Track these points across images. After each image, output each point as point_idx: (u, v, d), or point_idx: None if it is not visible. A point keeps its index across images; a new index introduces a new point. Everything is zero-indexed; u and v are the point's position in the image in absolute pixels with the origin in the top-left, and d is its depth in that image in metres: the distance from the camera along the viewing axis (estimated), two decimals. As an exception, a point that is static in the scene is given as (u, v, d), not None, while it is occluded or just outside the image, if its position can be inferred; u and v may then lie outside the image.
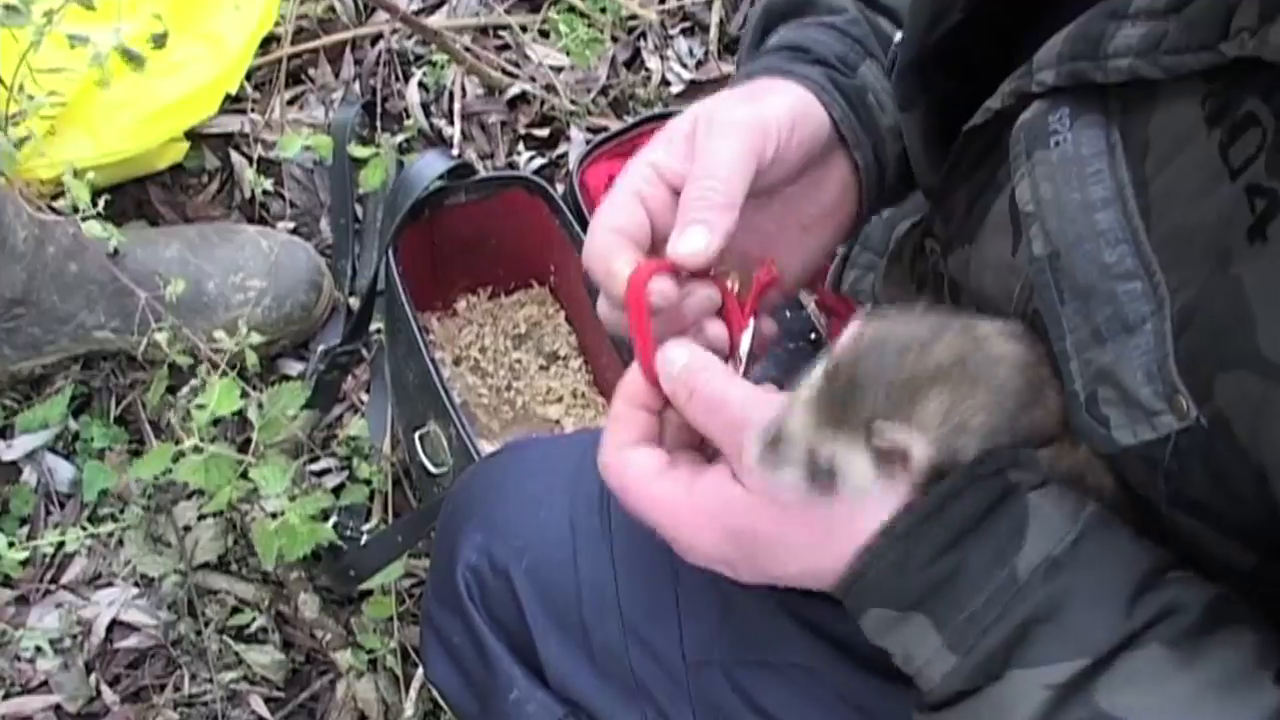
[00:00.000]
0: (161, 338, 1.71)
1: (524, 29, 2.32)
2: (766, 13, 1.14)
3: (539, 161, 2.23)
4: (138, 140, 1.96)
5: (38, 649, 1.85)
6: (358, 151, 1.91)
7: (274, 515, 1.73)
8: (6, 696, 1.85)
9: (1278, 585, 0.78)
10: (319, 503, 1.75)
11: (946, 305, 0.99)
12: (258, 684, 1.87)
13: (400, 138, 2.09)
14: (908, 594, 0.82)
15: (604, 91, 2.29)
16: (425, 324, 1.95)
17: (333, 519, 1.82)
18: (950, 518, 0.81)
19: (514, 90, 2.26)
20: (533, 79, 2.27)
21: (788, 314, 1.77)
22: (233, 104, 2.16)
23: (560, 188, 1.90)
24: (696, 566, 0.91)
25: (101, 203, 1.72)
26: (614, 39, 2.31)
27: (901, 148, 1.04)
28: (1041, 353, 0.84)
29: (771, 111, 0.95)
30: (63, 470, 1.99)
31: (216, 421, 1.69)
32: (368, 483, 1.92)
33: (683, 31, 2.37)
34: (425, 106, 2.26)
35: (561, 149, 2.24)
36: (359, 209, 2.14)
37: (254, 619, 1.89)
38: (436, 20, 2.30)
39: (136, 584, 1.92)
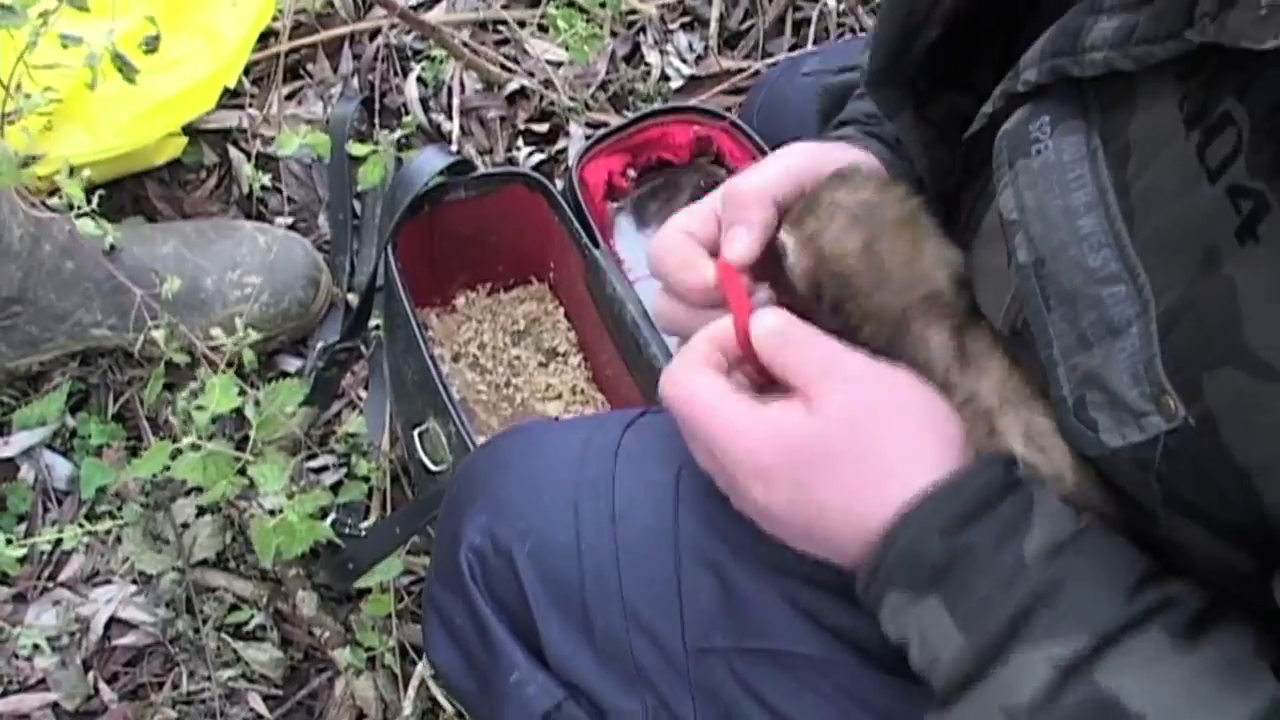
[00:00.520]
0: (158, 335, 1.70)
1: (522, 24, 2.31)
2: (823, 112, 1.24)
3: (538, 157, 2.22)
4: (135, 136, 1.95)
5: (35, 646, 1.85)
6: (356, 149, 1.91)
7: (272, 513, 1.73)
8: (4, 694, 1.84)
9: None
10: (317, 500, 1.75)
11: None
12: (256, 682, 1.86)
13: (399, 134, 2.08)
14: (922, 574, 0.84)
15: (603, 86, 2.28)
16: (424, 320, 1.95)
17: (331, 516, 1.81)
18: (960, 501, 0.84)
19: (513, 85, 2.25)
20: (531, 74, 2.26)
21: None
22: (231, 99, 2.15)
23: (560, 183, 1.89)
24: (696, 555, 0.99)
25: (96, 199, 1.71)
26: (613, 33, 2.31)
27: None
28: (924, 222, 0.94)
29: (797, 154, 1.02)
30: (60, 467, 1.98)
31: (214, 419, 1.69)
32: (366, 480, 1.91)
33: (682, 26, 2.37)
34: (424, 102, 2.25)
35: (561, 144, 2.23)
36: (357, 205, 2.13)
37: (252, 616, 1.89)
38: (435, 15, 2.29)
39: (134, 581, 1.91)
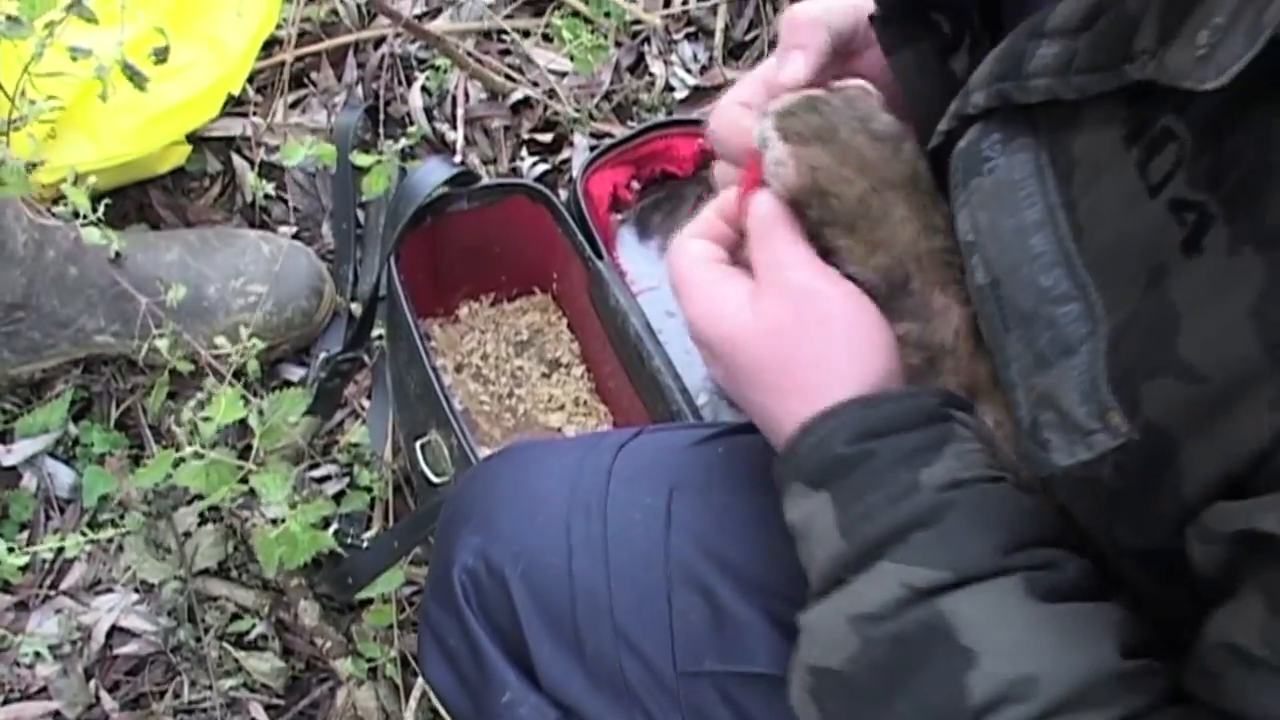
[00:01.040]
0: (162, 344, 1.71)
1: (526, 34, 2.32)
2: None
3: (542, 167, 2.22)
4: (139, 143, 1.95)
5: (37, 655, 1.85)
6: (361, 159, 1.91)
7: (275, 522, 1.73)
8: (5, 702, 1.84)
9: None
10: (320, 510, 1.75)
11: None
12: (257, 691, 1.86)
13: (403, 143, 2.08)
14: (822, 469, 0.86)
15: (608, 96, 2.28)
16: (427, 330, 1.95)
17: (333, 526, 1.82)
18: (880, 414, 0.86)
19: (517, 95, 2.25)
20: (535, 84, 2.26)
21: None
22: (235, 107, 2.15)
23: (564, 194, 1.90)
24: (682, 563, 1.02)
25: (101, 207, 1.71)
26: (618, 44, 2.31)
27: None
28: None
29: None
30: (63, 475, 1.98)
31: (218, 429, 1.69)
32: (369, 490, 1.91)
33: (687, 37, 2.37)
34: (428, 111, 2.25)
35: (565, 154, 2.23)
36: (361, 214, 2.13)
37: (254, 626, 1.89)
38: (439, 24, 2.29)
39: (136, 590, 1.91)
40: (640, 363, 1.70)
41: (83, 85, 1.82)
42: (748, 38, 2.37)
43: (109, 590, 1.92)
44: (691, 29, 2.38)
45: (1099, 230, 0.77)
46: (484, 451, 1.60)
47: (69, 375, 2.01)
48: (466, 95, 2.26)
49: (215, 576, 1.93)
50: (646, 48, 2.34)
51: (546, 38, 2.32)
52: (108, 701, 1.85)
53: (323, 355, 1.98)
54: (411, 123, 2.23)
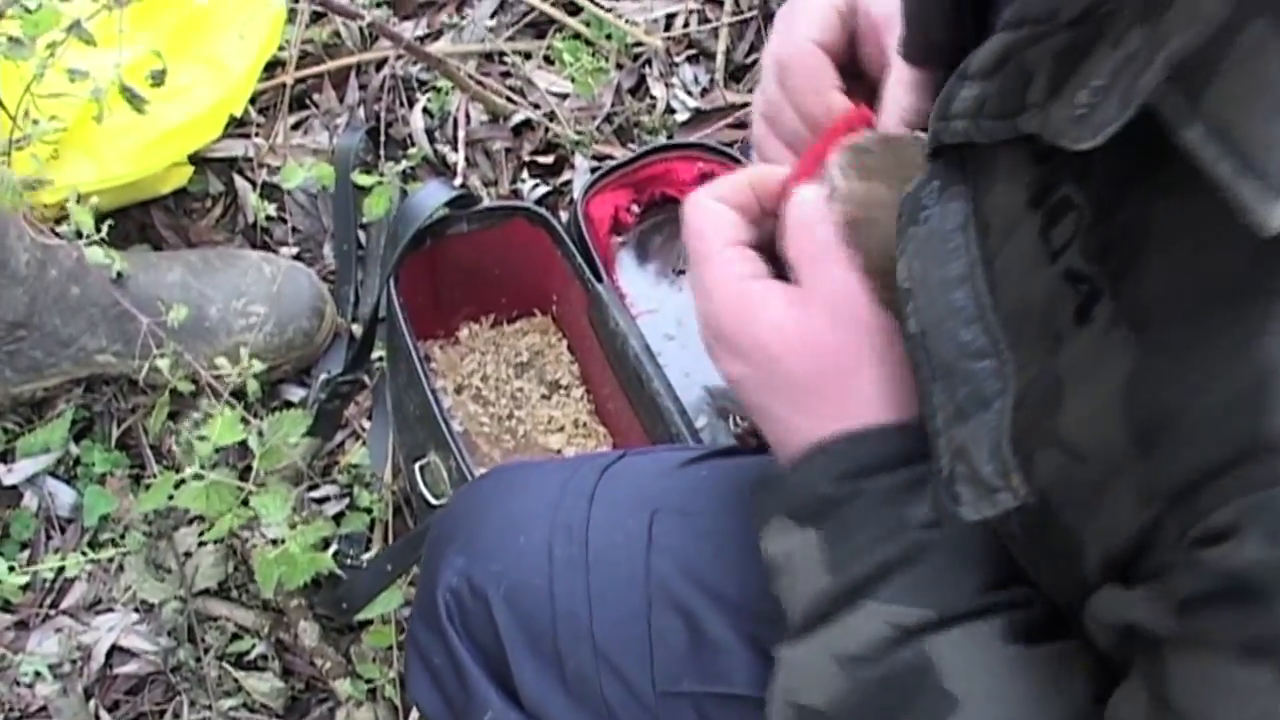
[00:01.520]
0: (163, 364, 1.71)
1: (528, 56, 2.32)
2: None
3: (543, 189, 2.23)
4: (141, 164, 1.96)
5: (37, 674, 1.85)
6: (361, 180, 1.91)
7: (274, 543, 1.73)
8: (5, 721, 1.85)
9: None
10: (319, 531, 1.75)
11: None
12: (257, 711, 1.87)
13: (404, 164, 2.09)
14: (810, 507, 0.87)
15: (608, 119, 2.29)
16: (427, 352, 1.95)
17: (333, 547, 1.82)
18: (868, 451, 0.87)
19: (518, 117, 2.26)
20: (537, 106, 2.27)
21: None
22: (237, 128, 2.16)
23: (564, 215, 1.90)
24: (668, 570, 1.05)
25: (105, 228, 1.72)
26: (619, 66, 2.31)
27: None
28: None
29: None
30: (64, 495, 1.99)
31: (218, 449, 1.69)
32: (368, 511, 1.92)
33: (688, 59, 2.37)
34: (429, 132, 2.26)
35: (566, 176, 2.24)
36: (363, 235, 2.14)
37: (254, 646, 1.89)
38: (440, 47, 2.30)
39: (136, 610, 1.92)
40: (640, 385, 1.70)
41: (85, 106, 1.83)
42: (748, 60, 2.38)
43: (109, 610, 1.92)
44: (693, 51, 2.39)
45: (1008, 289, 0.77)
46: (482, 473, 1.61)
47: (70, 395, 2.02)
48: (468, 117, 2.27)
49: (215, 597, 1.93)
50: (648, 70, 2.35)
51: (548, 60, 2.33)
52: (107, 721, 1.86)
53: (323, 377, 1.98)
54: (412, 144, 2.24)
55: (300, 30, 2.22)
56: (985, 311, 0.78)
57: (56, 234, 1.80)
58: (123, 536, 1.94)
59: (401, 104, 2.29)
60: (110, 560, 1.93)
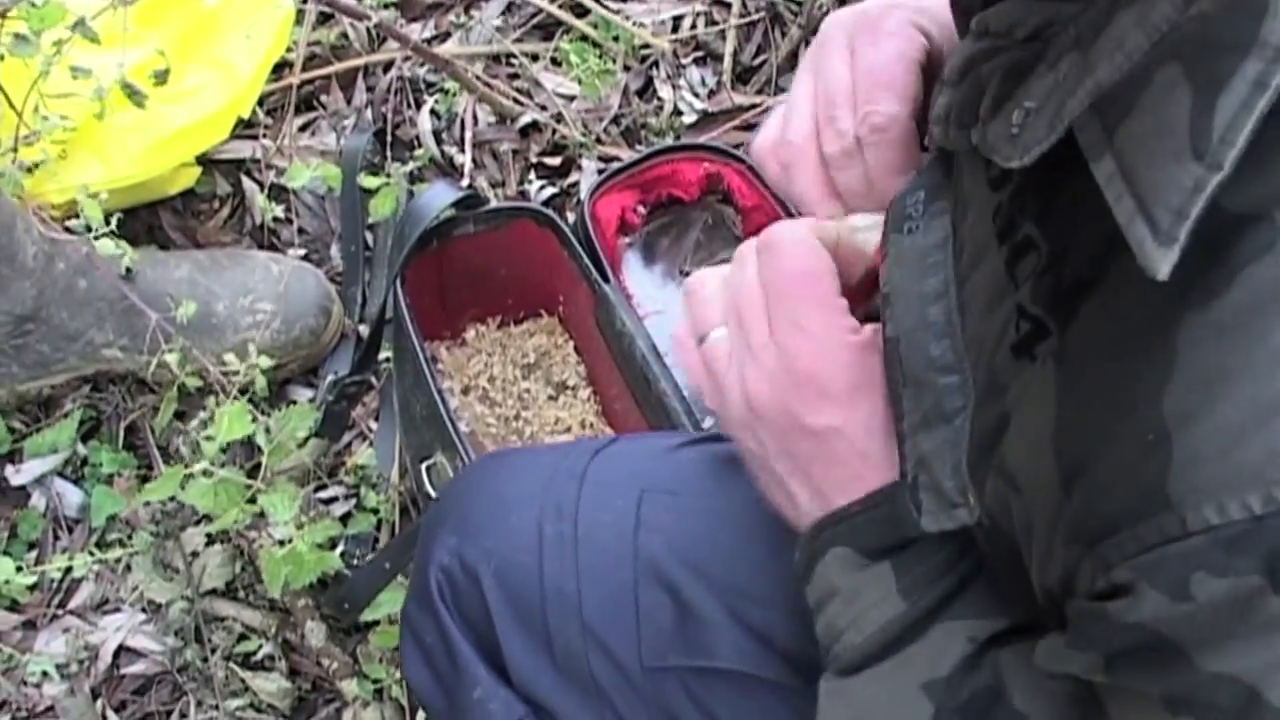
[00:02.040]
0: (171, 359, 1.71)
1: (535, 58, 2.33)
2: None
3: (550, 191, 2.23)
4: (149, 165, 1.97)
5: (44, 674, 1.85)
6: (368, 181, 1.92)
7: (281, 543, 1.74)
8: (12, 721, 1.85)
9: None
10: (326, 531, 1.76)
11: None
12: (264, 711, 1.87)
13: (411, 166, 2.09)
14: (884, 542, 0.86)
15: (616, 120, 2.29)
16: (434, 353, 1.95)
17: (340, 548, 1.82)
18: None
19: (525, 119, 2.26)
20: (544, 108, 2.27)
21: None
22: (244, 130, 2.17)
23: (571, 216, 1.90)
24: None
25: (114, 222, 1.73)
26: (626, 68, 2.32)
27: None
28: None
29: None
30: (71, 495, 1.99)
31: (225, 447, 1.70)
32: (375, 512, 1.92)
33: (695, 61, 2.37)
34: (437, 134, 2.26)
35: (573, 177, 2.24)
36: (370, 236, 2.14)
37: (260, 646, 1.89)
38: (448, 48, 2.30)
39: (144, 610, 1.92)
40: (647, 385, 1.70)
41: (93, 106, 1.84)
42: (756, 62, 2.38)
43: (116, 610, 1.93)
44: (700, 54, 2.39)
45: (972, 312, 0.78)
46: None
47: (77, 395, 2.02)
48: (475, 118, 2.27)
49: (223, 597, 1.93)
50: (655, 72, 2.35)
51: (555, 62, 2.33)
52: (114, 720, 1.86)
53: (330, 378, 1.99)
54: (419, 145, 2.24)
55: (308, 32, 2.22)
56: (954, 329, 0.79)
57: (68, 229, 1.80)
58: (130, 537, 1.95)
59: (409, 105, 2.29)
60: (117, 560, 1.93)
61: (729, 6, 2.40)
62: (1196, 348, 0.61)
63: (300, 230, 2.20)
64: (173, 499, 1.76)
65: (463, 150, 2.24)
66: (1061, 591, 0.71)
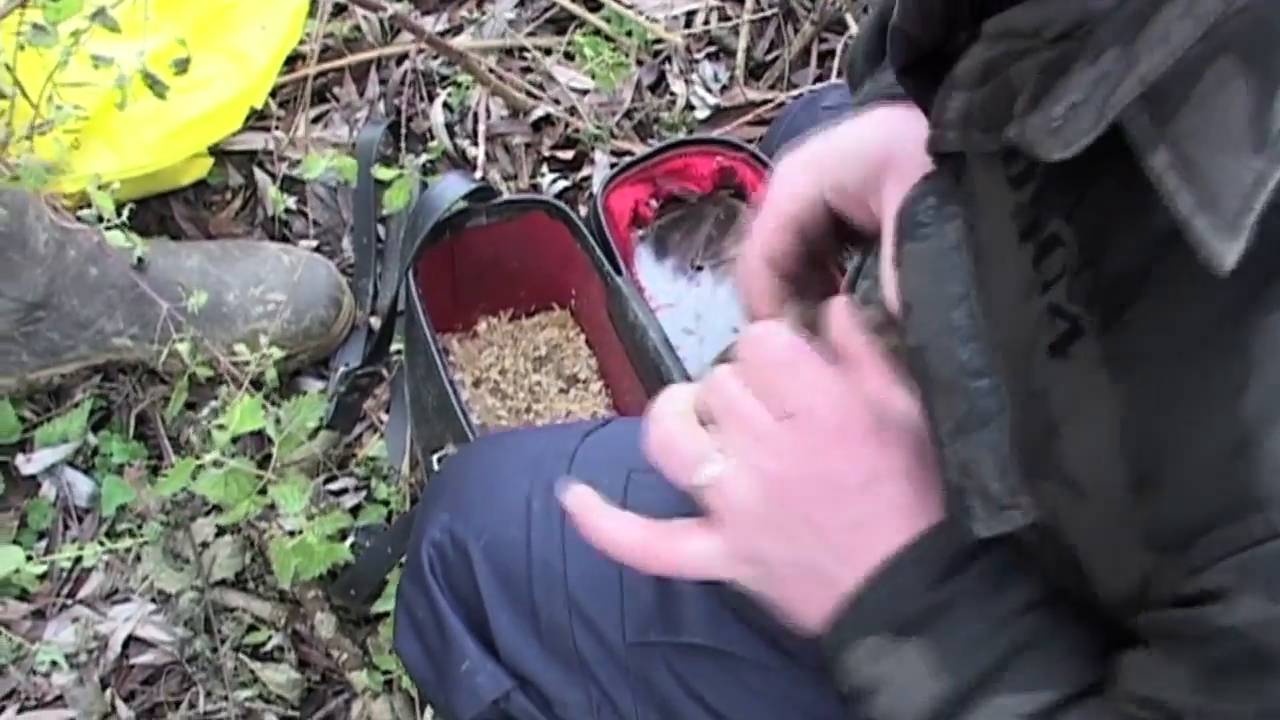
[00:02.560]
0: (183, 348, 1.71)
1: (548, 52, 2.33)
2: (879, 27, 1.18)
3: (562, 184, 2.23)
4: (162, 155, 1.97)
5: (53, 663, 1.86)
6: (382, 173, 1.92)
7: (292, 534, 1.74)
8: (21, 710, 1.85)
9: None
10: (337, 522, 1.76)
11: None
12: (273, 703, 1.87)
13: (424, 158, 2.09)
14: (907, 618, 0.83)
15: (628, 115, 2.29)
16: (445, 345, 1.95)
17: (350, 539, 1.82)
18: (946, 553, 0.83)
19: (538, 112, 2.26)
20: (557, 101, 2.27)
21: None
22: (257, 121, 2.16)
23: (584, 210, 1.90)
24: None
25: (126, 212, 1.73)
26: (639, 62, 2.32)
27: None
28: None
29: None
30: (81, 485, 1.99)
31: (235, 438, 1.70)
32: (386, 503, 1.92)
33: (708, 56, 2.37)
34: (449, 127, 2.26)
35: (586, 171, 2.24)
36: (382, 229, 2.14)
37: (270, 637, 1.89)
38: (461, 41, 2.30)
39: (153, 600, 1.92)
40: (659, 378, 1.70)
41: (107, 96, 1.84)
42: (768, 58, 2.38)
43: (126, 600, 1.93)
44: (713, 49, 2.39)
45: (998, 314, 0.77)
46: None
47: (88, 385, 2.02)
48: (488, 112, 2.28)
49: (233, 587, 1.93)
50: (668, 67, 2.35)
51: (568, 56, 2.33)
52: (123, 711, 1.86)
53: (342, 369, 1.99)
54: (432, 138, 2.24)
55: (321, 24, 2.22)
56: (981, 332, 0.78)
57: (80, 219, 1.80)
58: (140, 527, 1.95)
59: (421, 98, 2.29)
60: (127, 550, 1.93)
61: (742, 2, 2.40)
62: (1276, 347, 0.61)
63: (313, 222, 2.20)
64: (183, 489, 1.75)
65: (475, 143, 2.24)
66: (1137, 600, 0.69)
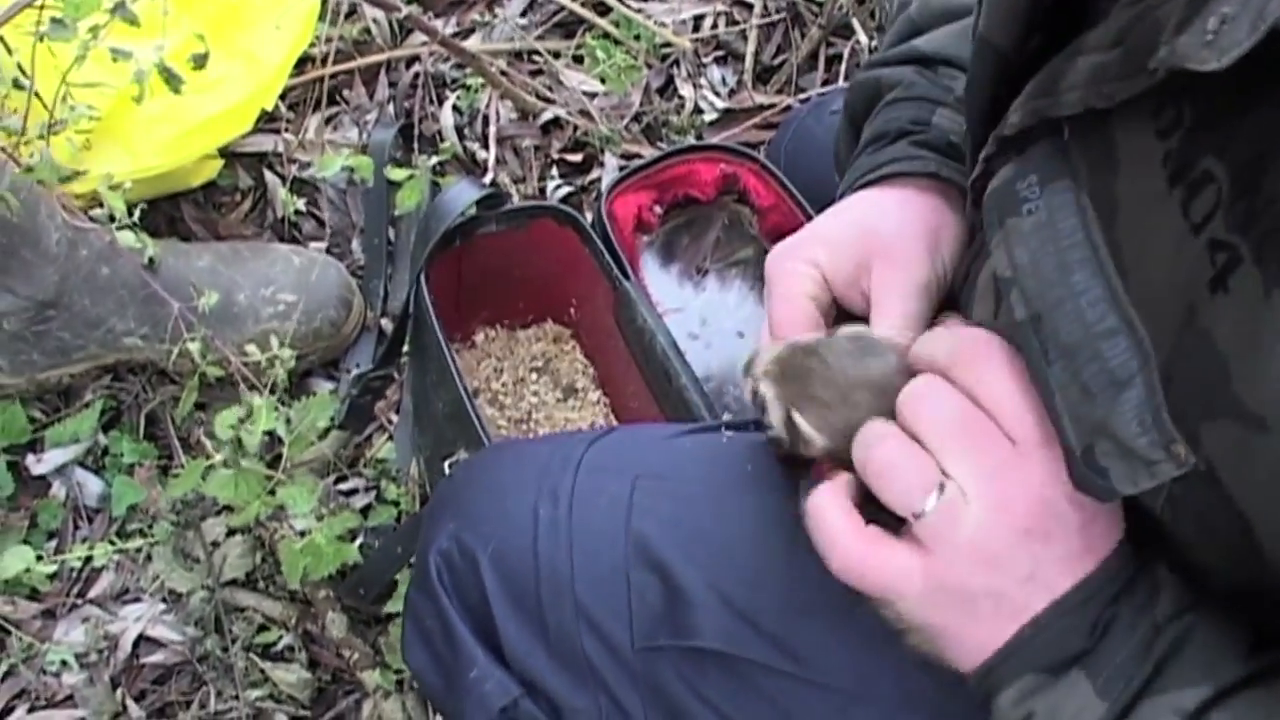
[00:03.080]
0: (194, 348, 1.72)
1: (557, 55, 2.33)
2: (849, 120, 1.26)
3: (567, 189, 2.24)
4: (173, 156, 1.97)
5: (64, 663, 1.86)
6: (395, 174, 1.92)
7: (302, 534, 1.74)
8: (32, 710, 1.85)
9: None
10: (346, 522, 1.77)
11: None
12: (283, 702, 1.87)
13: (435, 160, 2.10)
14: (1065, 657, 0.84)
15: (637, 118, 2.30)
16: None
17: (359, 540, 1.83)
18: (1104, 595, 0.84)
19: (548, 115, 2.27)
20: (565, 105, 2.28)
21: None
22: (267, 123, 2.17)
23: (589, 215, 1.91)
24: None
25: (137, 212, 1.73)
26: (647, 65, 2.32)
27: None
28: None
29: (928, 237, 1.06)
30: (92, 485, 2.00)
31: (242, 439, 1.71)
32: (395, 504, 1.93)
33: (716, 60, 2.39)
34: (459, 130, 2.27)
35: (594, 174, 2.25)
36: (392, 231, 2.15)
37: (281, 637, 1.90)
38: (470, 45, 2.31)
39: (164, 600, 1.93)
40: (668, 381, 1.70)
41: (119, 96, 1.85)
42: (776, 62, 2.39)
43: (136, 600, 1.93)
44: (720, 53, 2.40)
45: (1145, 269, 0.77)
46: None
47: (97, 385, 2.03)
48: (497, 115, 2.28)
49: (243, 587, 1.94)
50: (676, 70, 2.36)
51: (577, 59, 2.34)
52: (134, 710, 1.86)
53: (355, 371, 1.99)
54: (443, 140, 2.25)
55: (338, 27, 2.23)
56: (1114, 292, 0.78)
57: (91, 218, 1.81)
58: (150, 526, 1.95)
59: (431, 101, 2.30)
60: (138, 550, 1.94)
61: (750, 6, 2.41)
62: None
63: (321, 224, 2.20)
64: (193, 489, 1.76)
65: (485, 146, 2.25)
66: None
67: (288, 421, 1.73)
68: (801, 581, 0.96)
